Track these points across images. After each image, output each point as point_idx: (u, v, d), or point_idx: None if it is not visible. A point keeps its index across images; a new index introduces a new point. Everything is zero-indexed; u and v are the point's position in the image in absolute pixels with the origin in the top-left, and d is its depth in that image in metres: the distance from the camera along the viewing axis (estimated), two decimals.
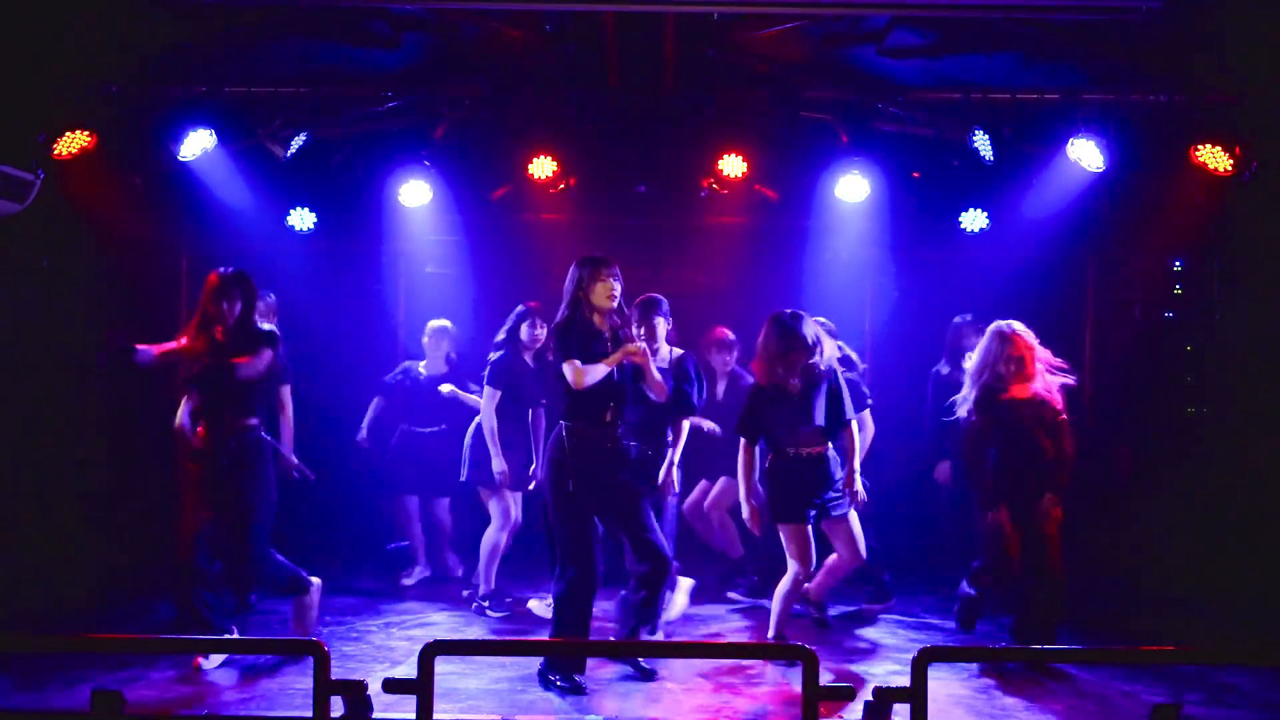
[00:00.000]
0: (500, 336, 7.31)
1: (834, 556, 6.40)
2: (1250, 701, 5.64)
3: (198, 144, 7.65)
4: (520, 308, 7.38)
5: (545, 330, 7.19)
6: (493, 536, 7.25)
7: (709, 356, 7.58)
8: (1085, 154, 7.57)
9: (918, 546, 8.37)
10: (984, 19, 7.19)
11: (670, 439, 6.40)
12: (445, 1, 7.37)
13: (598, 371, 5.68)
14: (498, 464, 7.07)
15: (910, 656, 4.24)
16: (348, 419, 8.26)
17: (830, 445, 6.22)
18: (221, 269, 6.08)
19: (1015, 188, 8.38)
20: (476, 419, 7.30)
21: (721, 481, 7.53)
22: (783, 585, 6.15)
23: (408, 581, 8.02)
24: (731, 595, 7.70)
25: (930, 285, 9.16)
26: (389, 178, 8.39)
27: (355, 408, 8.24)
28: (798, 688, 4.12)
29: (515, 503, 7.37)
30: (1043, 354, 6.13)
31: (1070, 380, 6.15)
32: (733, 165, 8.26)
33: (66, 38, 7.11)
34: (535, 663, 5.94)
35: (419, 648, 4.20)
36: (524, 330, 7.30)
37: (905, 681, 4.22)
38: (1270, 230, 7.81)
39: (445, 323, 8.04)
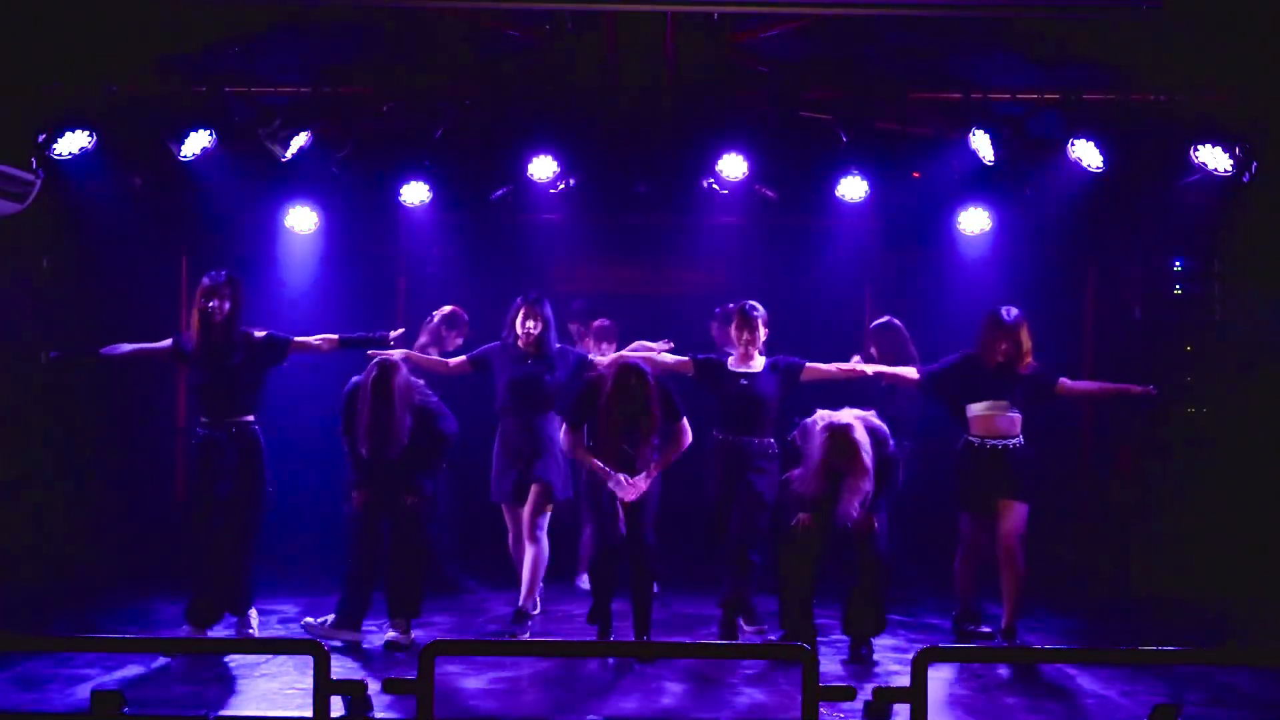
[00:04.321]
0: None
1: None
2: (1250, 701, 5.64)
3: (198, 144, 7.64)
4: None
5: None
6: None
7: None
8: (1085, 154, 7.57)
9: (920, 547, 8.36)
10: (984, 19, 7.20)
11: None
12: (450, 1, 7.36)
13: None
14: None
15: (910, 656, 4.24)
16: None
17: None
18: None
19: (1015, 188, 8.38)
20: None
21: None
22: None
23: None
24: None
25: (930, 286, 9.16)
26: (389, 178, 8.39)
27: None
28: (797, 688, 4.12)
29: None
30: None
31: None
32: (733, 165, 8.26)
33: (66, 38, 7.11)
34: (535, 663, 5.96)
35: (419, 648, 4.20)
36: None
37: (905, 681, 4.23)
38: (1270, 230, 7.81)
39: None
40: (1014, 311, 6.73)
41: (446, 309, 7.84)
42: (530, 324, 6.99)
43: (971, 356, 6.78)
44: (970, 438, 6.70)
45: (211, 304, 6.50)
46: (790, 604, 6.44)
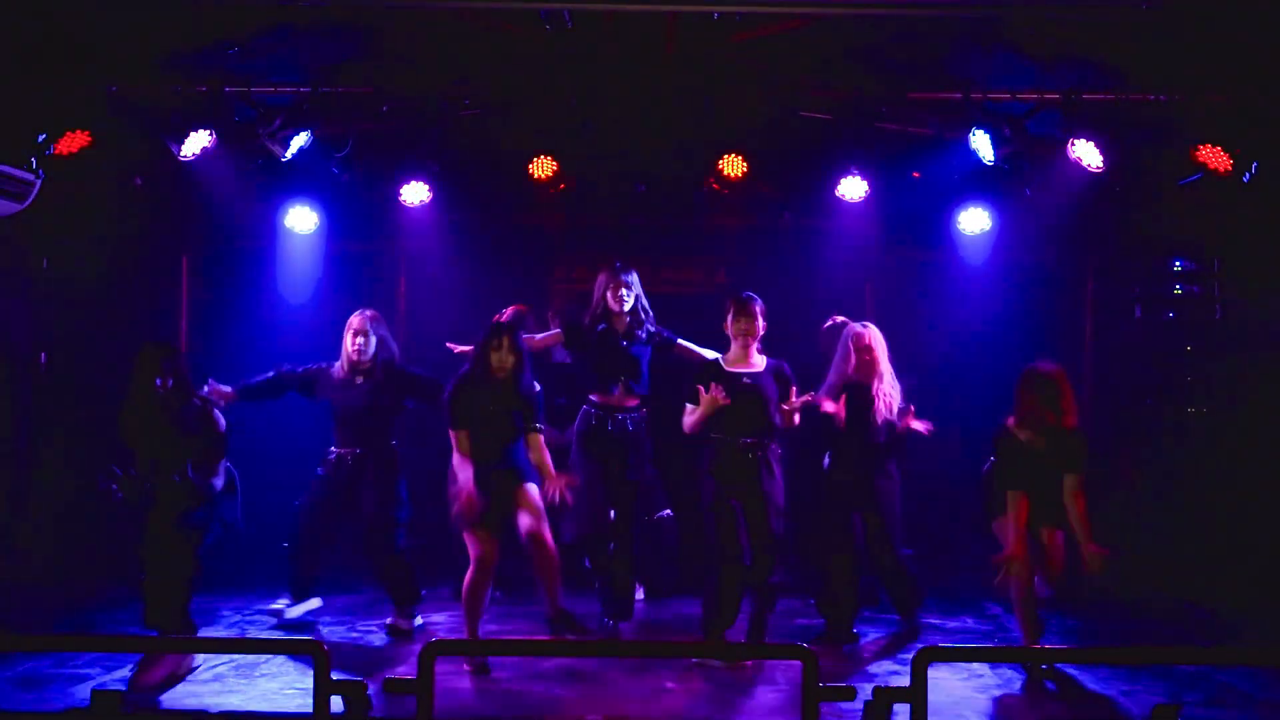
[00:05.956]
0: None
1: None
2: (1250, 701, 5.64)
3: (198, 144, 7.64)
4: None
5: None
6: None
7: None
8: (1085, 154, 7.57)
9: (920, 547, 8.36)
10: (984, 18, 7.19)
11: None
12: (446, 1, 7.36)
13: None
14: None
15: (910, 656, 4.25)
16: None
17: None
18: None
19: (1015, 188, 8.38)
20: None
21: None
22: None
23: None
24: None
25: (930, 286, 9.16)
26: (389, 178, 8.39)
27: None
28: (798, 687, 4.12)
29: None
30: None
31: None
32: (733, 165, 8.26)
33: (66, 38, 7.11)
34: (535, 663, 5.96)
35: (419, 648, 4.20)
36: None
37: (905, 681, 4.23)
38: (1270, 230, 7.81)
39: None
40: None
41: (509, 310, 7.69)
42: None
43: None
44: None
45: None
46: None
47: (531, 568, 6.14)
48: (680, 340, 6.90)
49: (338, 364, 6.92)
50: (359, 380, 6.84)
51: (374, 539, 6.82)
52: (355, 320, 6.89)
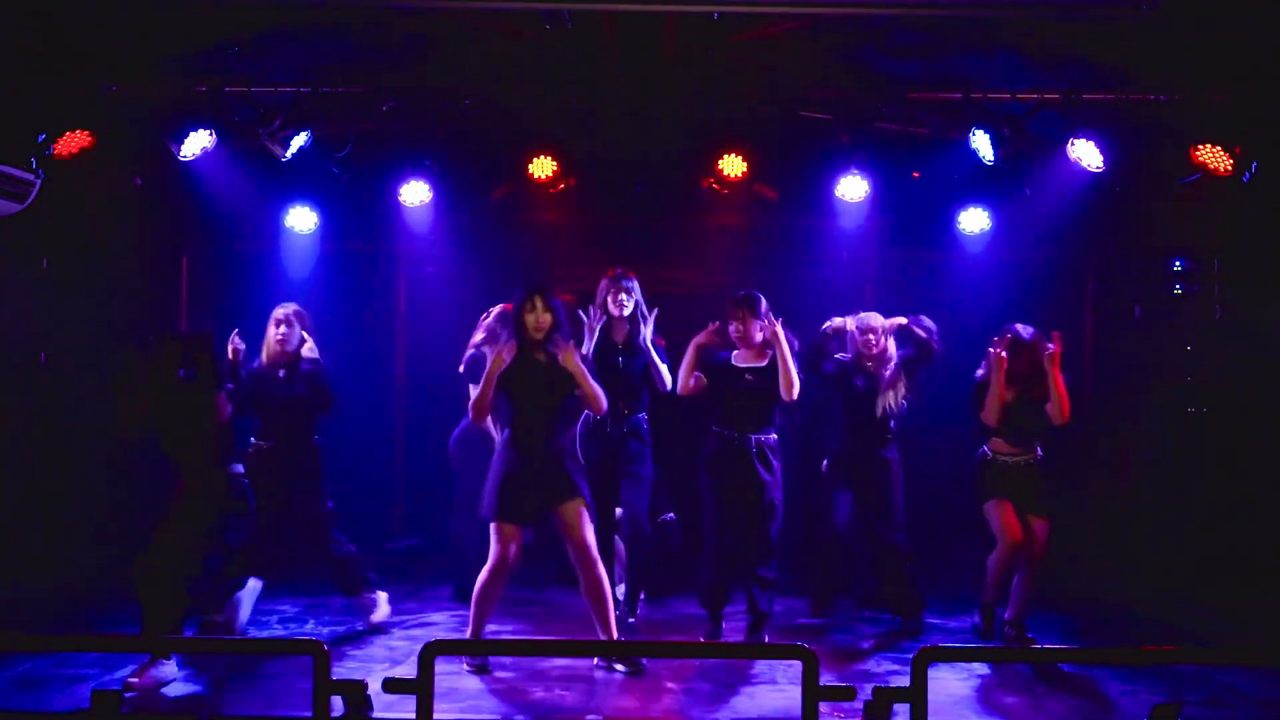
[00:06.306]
0: None
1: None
2: (1250, 701, 5.64)
3: (198, 144, 7.65)
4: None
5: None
6: None
7: None
8: (1085, 154, 7.57)
9: (920, 548, 8.36)
10: (984, 18, 7.19)
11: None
12: (448, 1, 7.36)
13: None
14: None
15: (910, 656, 4.25)
16: (347, 418, 8.23)
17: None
18: None
19: (1015, 188, 8.39)
20: None
21: None
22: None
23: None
24: None
25: (930, 285, 9.16)
26: (389, 177, 8.39)
27: (355, 407, 8.22)
28: (797, 687, 4.12)
29: None
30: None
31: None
32: (733, 165, 8.27)
33: (66, 38, 7.11)
34: (535, 663, 5.96)
35: (419, 648, 4.20)
36: None
37: (905, 681, 4.23)
38: (1270, 230, 7.81)
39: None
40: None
41: (497, 308, 7.48)
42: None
43: None
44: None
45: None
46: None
47: (581, 592, 5.97)
48: (657, 360, 6.82)
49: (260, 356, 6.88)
50: (281, 373, 6.80)
51: (312, 533, 6.83)
52: (278, 311, 6.85)
